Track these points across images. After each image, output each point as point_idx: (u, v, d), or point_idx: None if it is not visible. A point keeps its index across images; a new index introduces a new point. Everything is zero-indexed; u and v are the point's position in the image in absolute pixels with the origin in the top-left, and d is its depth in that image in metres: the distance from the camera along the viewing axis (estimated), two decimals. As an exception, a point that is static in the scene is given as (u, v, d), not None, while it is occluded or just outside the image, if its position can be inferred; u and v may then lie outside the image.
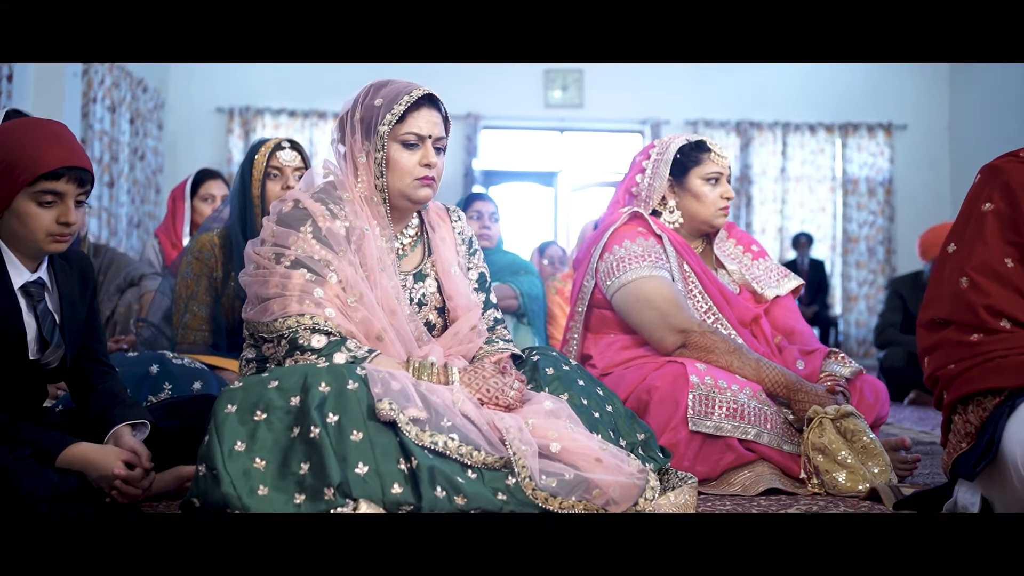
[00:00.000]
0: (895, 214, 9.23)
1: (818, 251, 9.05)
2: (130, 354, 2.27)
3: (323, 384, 1.53)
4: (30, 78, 5.94)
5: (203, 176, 3.44)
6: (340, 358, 1.66)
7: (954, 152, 9.17)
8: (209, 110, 8.71)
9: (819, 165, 9.24)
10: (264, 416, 1.50)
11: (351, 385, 1.54)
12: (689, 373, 2.08)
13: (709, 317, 2.33)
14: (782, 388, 2.16)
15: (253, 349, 1.84)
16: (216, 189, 3.41)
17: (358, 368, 1.59)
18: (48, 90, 6.14)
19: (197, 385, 2.18)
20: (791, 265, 8.25)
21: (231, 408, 1.51)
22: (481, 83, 8.62)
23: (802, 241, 8.67)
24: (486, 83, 8.67)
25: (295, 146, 2.56)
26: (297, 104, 8.74)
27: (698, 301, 2.35)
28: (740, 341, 2.28)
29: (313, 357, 1.66)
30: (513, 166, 9.36)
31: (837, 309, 9.14)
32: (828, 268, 9.03)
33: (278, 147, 2.54)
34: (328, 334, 1.69)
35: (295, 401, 1.51)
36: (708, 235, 2.51)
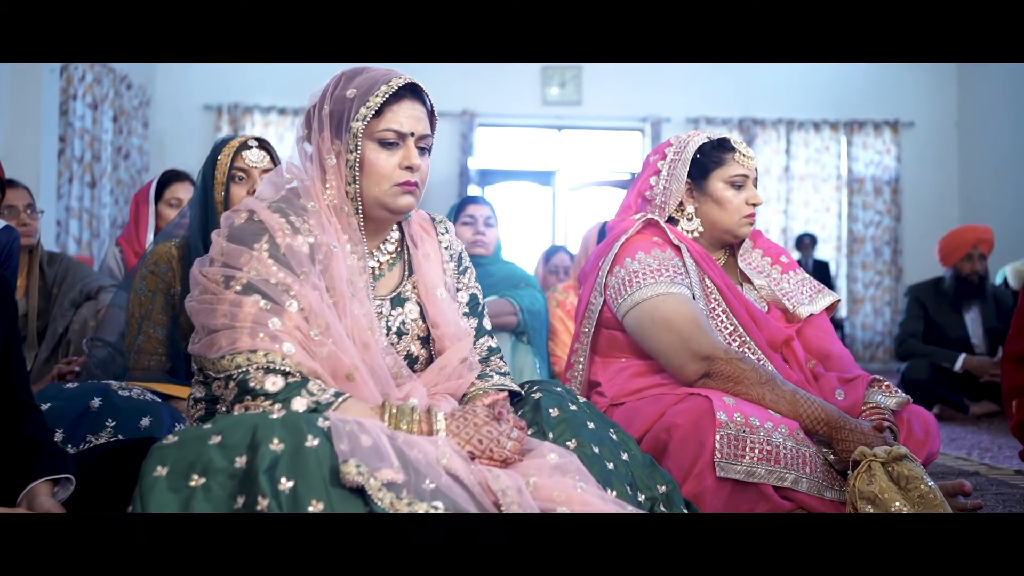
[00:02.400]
0: (902, 214, 9.03)
1: (823, 252, 8.87)
2: (69, 385, 1.96)
3: (275, 440, 1.21)
4: (4, 73, 5.69)
5: (169, 178, 3.10)
6: (300, 404, 1.35)
7: (963, 151, 8.99)
8: (196, 107, 8.48)
9: (824, 164, 9.04)
10: (202, 481, 1.19)
11: (310, 442, 1.22)
12: (716, 409, 1.77)
13: (735, 340, 2.02)
14: (822, 425, 1.84)
15: (202, 387, 1.53)
16: (183, 193, 3.08)
17: (320, 419, 1.28)
18: (24, 86, 5.89)
19: (146, 421, 1.88)
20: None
21: (161, 471, 1.20)
22: (477, 80, 8.40)
23: (806, 242, 8.50)
24: (482, 80, 8.45)
25: (263, 145, 2.25)
26: (287, 101, 8.50)
27: (722, 321, 2.04)
28: (771, 368, 1.97)
29: (267, 403, 1.35)
30: (510, 165, 9.11)
31: (842, 311, 8.90)
32: (833, 269, 8.85)
33: (244, 146, 2.23)
34: (286, 375, 1.38)
35: (241, 462, 1.20)
36: (731, 245, 2.22)
